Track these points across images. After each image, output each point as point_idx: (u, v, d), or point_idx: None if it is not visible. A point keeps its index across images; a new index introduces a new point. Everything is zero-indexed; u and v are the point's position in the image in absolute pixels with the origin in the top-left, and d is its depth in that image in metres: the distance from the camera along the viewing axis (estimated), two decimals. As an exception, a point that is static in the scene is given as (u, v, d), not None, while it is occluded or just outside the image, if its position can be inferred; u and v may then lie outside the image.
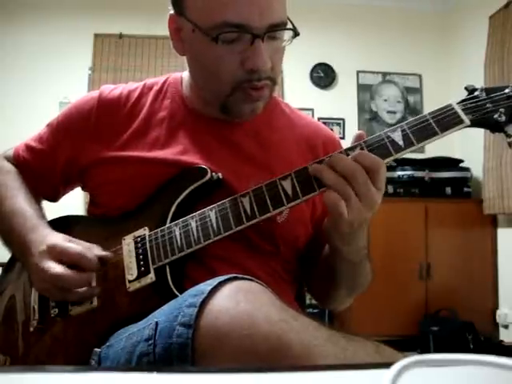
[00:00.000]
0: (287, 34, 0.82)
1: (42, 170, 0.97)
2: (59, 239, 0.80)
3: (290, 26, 0.81)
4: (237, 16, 0.75)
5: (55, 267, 0.75)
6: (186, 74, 0.95)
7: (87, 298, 0.78)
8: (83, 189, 0.98)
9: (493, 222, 3.36)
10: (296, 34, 0.81)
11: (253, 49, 0.77)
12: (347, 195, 0.69)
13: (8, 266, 0.94)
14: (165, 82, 0.97)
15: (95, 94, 0.95)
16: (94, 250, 0.79)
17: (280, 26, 0.79)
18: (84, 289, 0.77)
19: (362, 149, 0.75)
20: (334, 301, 0.96)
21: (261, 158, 0.89)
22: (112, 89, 0.96)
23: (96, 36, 3.80)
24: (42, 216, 0.90)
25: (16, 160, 0.98)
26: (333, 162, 0.71)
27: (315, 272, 0.94)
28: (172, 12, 0.84)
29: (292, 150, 0.93)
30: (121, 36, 3.81)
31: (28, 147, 0.98)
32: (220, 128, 0.90)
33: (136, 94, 0.94)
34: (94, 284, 0.79)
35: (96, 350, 0.70)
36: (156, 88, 0.96)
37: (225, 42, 0.77)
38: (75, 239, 0.81)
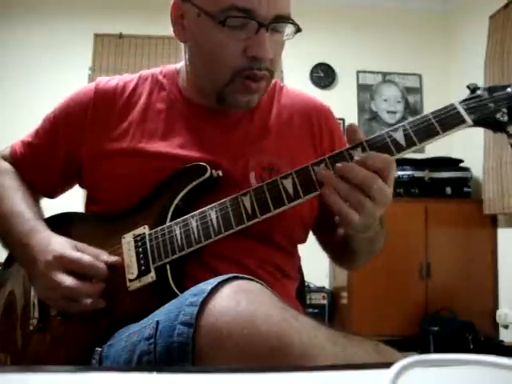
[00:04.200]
0: (289, 29, 0.83)
1: (39, 164, 0.95)
2: (65, 247, 0.78)
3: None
4: (245, 1, 0.76)
5: (66, 280, 0.74)
6: (181, 66, 0.95)
7: (91, 309, 0.76)
8: (80, 185, 0.97)
9: (493, 222, 3.36)
10: (298, 29, 0.82)
11: (257, 37, 0.78)
12: (361, 204, 0.68)
13: (6, 262, 0.93)
14: (160, 73, 0.97)
15: (91, 85, 0.95)
16: (102, 257, 0.78)
17: (285, 19, 0.81)
18: (91, 300, 0.76)
19: (363, 148, 0.74)
20: (356, 265, 1.00)
21: (260, 143, 0.89)
22: (108, 80, 0.96)
23: (96, 36, 3.80)
24: (41, 217, 0.89)
25: (13, 157, 0.97)
26: (343, 171, 0.69)
27: (332, 247, 0.99)
28: None
29: (289, 128, 0.93)
30: (121, 36, 3.81)
31: (25, 143, 0.97)
32: (218, 117, 0.90)
33: (132, 85, 0.95)
34: None
35: (97, 349, 0.70)
36: (152, 79, 0.96)
37: (230, 28, 0.78)
38: (81, 244, 0.80)
